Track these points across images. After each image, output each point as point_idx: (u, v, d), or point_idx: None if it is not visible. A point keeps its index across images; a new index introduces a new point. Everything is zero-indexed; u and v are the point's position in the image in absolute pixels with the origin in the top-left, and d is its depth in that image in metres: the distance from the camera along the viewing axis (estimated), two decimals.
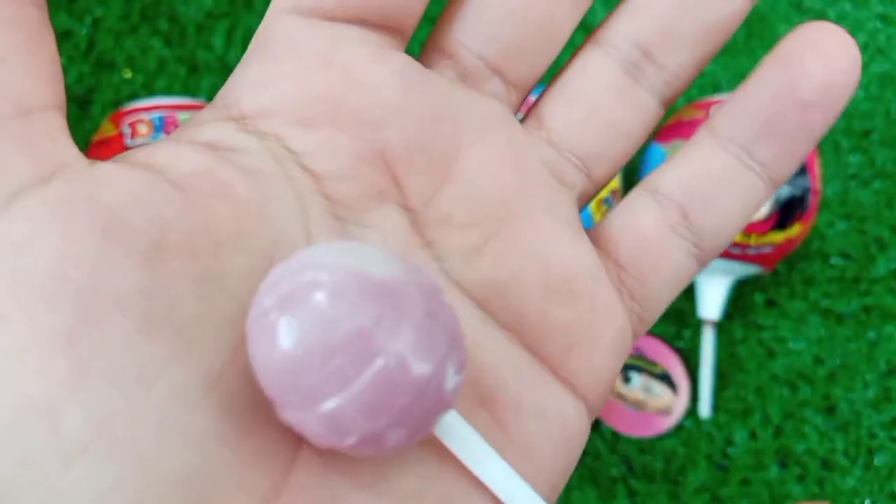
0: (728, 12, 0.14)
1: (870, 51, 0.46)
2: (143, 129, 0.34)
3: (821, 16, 0.47)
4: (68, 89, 0.42)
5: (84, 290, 0.10)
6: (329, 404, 0.10)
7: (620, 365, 0.14)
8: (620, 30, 0.14)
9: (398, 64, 0.13)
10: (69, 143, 0.11)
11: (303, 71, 0.13)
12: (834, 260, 0.43)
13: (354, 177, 0.13)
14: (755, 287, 0.42)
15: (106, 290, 0.10)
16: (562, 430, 0.13)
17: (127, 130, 0.35)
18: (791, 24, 0.46)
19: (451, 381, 0.11)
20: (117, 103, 0.42)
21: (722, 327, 0.41)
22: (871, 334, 0.42)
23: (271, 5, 0.13)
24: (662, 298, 0.15)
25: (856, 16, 0.47)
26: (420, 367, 0.10)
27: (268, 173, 0.12)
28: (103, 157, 0.35)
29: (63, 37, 0.43)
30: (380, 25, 0.13)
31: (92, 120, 0.42)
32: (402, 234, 0.13)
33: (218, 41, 0.43)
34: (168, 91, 0.43)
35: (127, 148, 0.34)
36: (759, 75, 0.14)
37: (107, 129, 0.36)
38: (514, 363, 0.13)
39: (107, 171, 0.11)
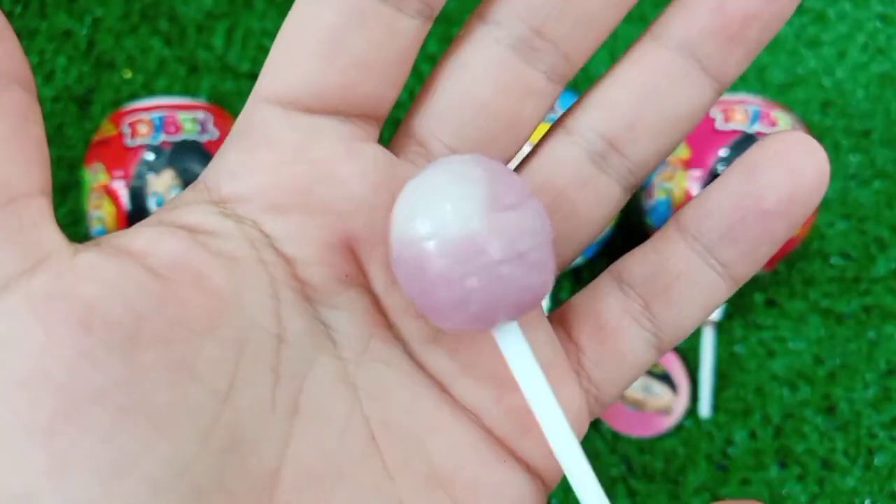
0: (692, 106, 0.14)
1: (870, 51, 0.46)
2: (143, 128, 0.34)
3: (821, 16, 0.47)
4: (68, 89, 0.42)
5: (63, 386, 0.11)
6: (429, 242, 0.12)
7: None
8: (587, 120, 0.15)
9: (368, 158, 0.14)
10: (53, 230, 0.12)
11: (277, 162, 0.13)
12: (834, 260, 0.43)
13: (322, 262, 0.13)
14: (755, 287, 0.42)
15: (84, 385, 0.11)
16: None
17: (127, 130, 0.35)
18: (790, 24, 0.46)
19: (526, 276, 0.12)
20: (117, 103, 0.42)
21: (722, 327, 0.41)
22: (871, 334, 0.42)
23: (252, 93, 0.14)
24: (619, 383, 0.15)
25: (856, 15, 0.47)
26: (518, 245, 0.12)
27: (242, 258, 0.13)
28: (104, 156, 0.35)
29: (63, 36, 0.43)
30: (354, 115, 0.14)
31: (92, 120, 0.42)
32: (369, 316, 0.14)
33: (218, 41, 0.43)
34: (168, 91, 0.43)
35: (127, 148, 0.34)
36: (727, 179, 0.14)
37: (107, 129, 0.36)
38: (474, 444, 0.14)
39: (88, 261, 0.12)
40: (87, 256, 0.12)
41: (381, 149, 0.14)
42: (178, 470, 0.11)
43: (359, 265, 0.14)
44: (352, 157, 0.14)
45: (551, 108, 0.15)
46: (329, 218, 0.13)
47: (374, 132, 0.14)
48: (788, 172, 0.14)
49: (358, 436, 0.13)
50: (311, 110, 0.13)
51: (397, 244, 0.13)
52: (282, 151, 0.13)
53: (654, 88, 0.14)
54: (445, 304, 0.13)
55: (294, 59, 0.13)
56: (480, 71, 0.14)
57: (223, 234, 0.13)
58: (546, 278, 0.13)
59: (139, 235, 0.13)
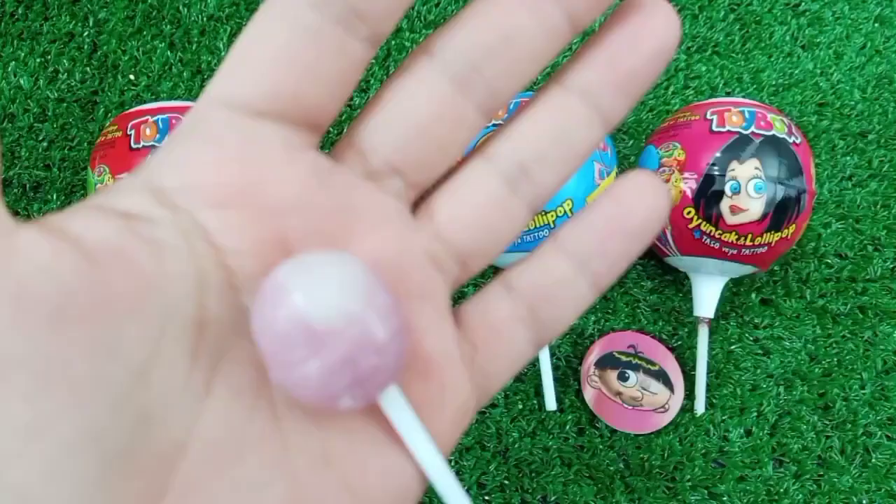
0: (588, 143, 0.17)
1: (867, 52, 0.46)
2: (147, 131, 0.35)
3: (817, 18, 0.47)
4: (72, 91, 0.43)
5: None
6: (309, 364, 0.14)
7: (462, 432, 0.17)
8: (504, 149, 0.17)
9: (307, 163, 0.15)
10: None
11: (221, 161, 0.15)
12: (830, 260, 0.43)
13: (252, 253, 0.15)
14: (751, 286, 0.42)
15: (10, 351, 0.12)
16: (400, 489, 0.16)
17: (132, 133, 0.35)
18: (788, 27, 0.47)
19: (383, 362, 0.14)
20: (122, 105, 0.42)
21: (718, 326, 0.41)
22: (868, 333, 0.42)
23: (204, 93, 0.15)
24: (504, 376, 0.18)
25: (853, 17, 0.47)
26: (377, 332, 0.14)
27: (172, 246, 0.14)
28: (109, 158, 0.35)
29: (66, 38, 0.43)
30: (298, 123, 0.15)
31: (97, 122, 0.42)
32: None
33: (221, 44, 0.44)
34: (172, 94, 0.43)
35: (132, 150, 0.35)
36: (598, 207, 0.18)
37: (112, 132, 0.36)
38: (366, 429, 0.15)
39: (25, 240, 0.13)
40: (26, 236, 0.13)
41: (320, 154, 0.16)
42: (92, 436, 0.12)
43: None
44: (292, 160, 0.15)
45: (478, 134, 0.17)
46: (265, 215, 0.15)
47: (315, 141, 0.16)
48: (644, 202, 0.17)
49: (264, 415, 0.15)
50: (258, 114, 0.15)
51: (266, 319, 0.14)
52: (226, 151, 0.15)
53: (561, 127, 0.17)
54: (312, 386, 0.14)
55: (249, 65, 0.15)
56: (423, 98, 0.16)
57: (156, 221, 0.14)
58: (397, 356, 0.15)
59: (77, 217, 0.13)
